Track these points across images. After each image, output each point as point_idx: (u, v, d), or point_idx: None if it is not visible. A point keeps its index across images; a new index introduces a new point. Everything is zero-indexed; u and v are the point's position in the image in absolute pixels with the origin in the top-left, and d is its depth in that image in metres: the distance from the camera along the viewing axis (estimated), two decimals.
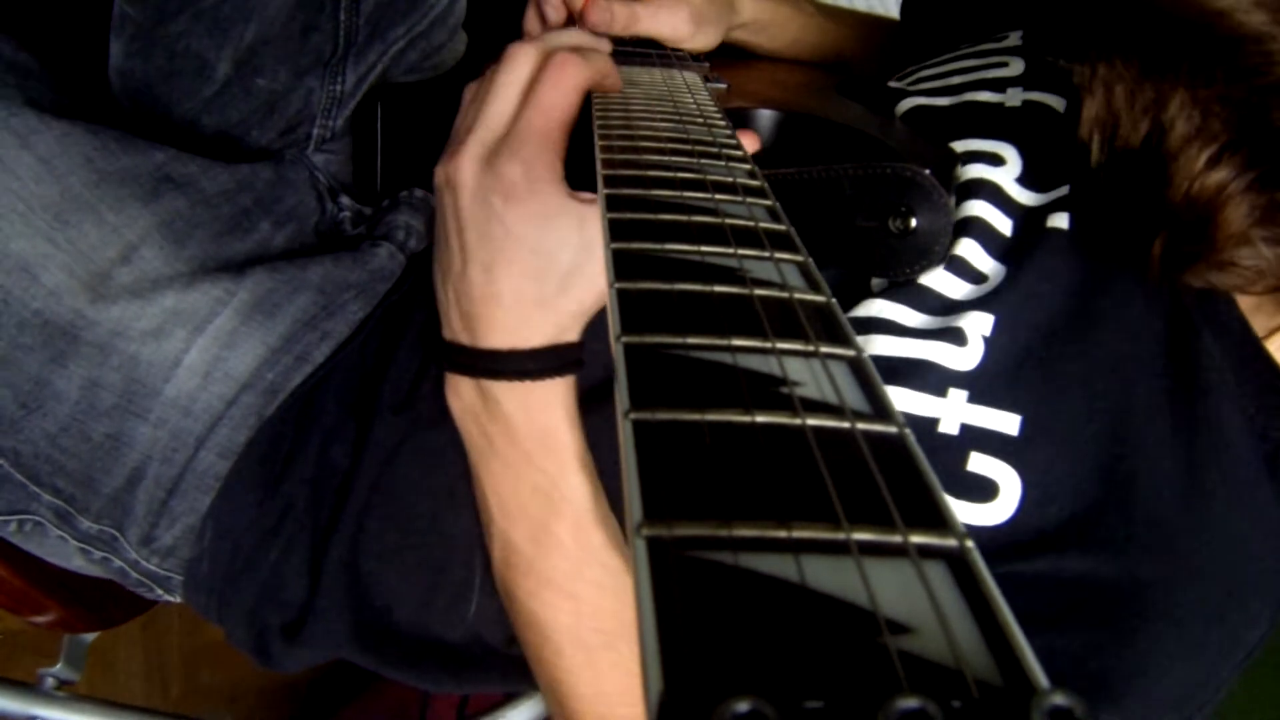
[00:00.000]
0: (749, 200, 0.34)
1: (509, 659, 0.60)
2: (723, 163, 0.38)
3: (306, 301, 0.61)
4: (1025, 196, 0.54)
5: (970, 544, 0.17)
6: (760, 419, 0.20)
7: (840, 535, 0.17)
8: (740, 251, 0.29)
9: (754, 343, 0.23)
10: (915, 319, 0.51)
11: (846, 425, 0.21)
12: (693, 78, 0.58)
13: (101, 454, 0.58)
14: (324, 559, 0.58)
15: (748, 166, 0.38)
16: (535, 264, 0.44)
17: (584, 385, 0.49)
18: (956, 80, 0.62)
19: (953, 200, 0.53)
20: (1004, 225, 0.53)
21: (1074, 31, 0.54)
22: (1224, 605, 0.47)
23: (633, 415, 0.20)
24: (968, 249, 0.52)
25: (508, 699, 0.84)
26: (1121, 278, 0.50)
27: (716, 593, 0.16)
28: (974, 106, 0.59)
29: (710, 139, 0.42)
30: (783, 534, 0.17)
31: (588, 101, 0.48)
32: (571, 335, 0.47)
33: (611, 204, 0.32)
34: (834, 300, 0.26)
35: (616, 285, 0.26)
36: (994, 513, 0.47)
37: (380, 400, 0.59)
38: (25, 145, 0.56)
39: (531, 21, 0.67)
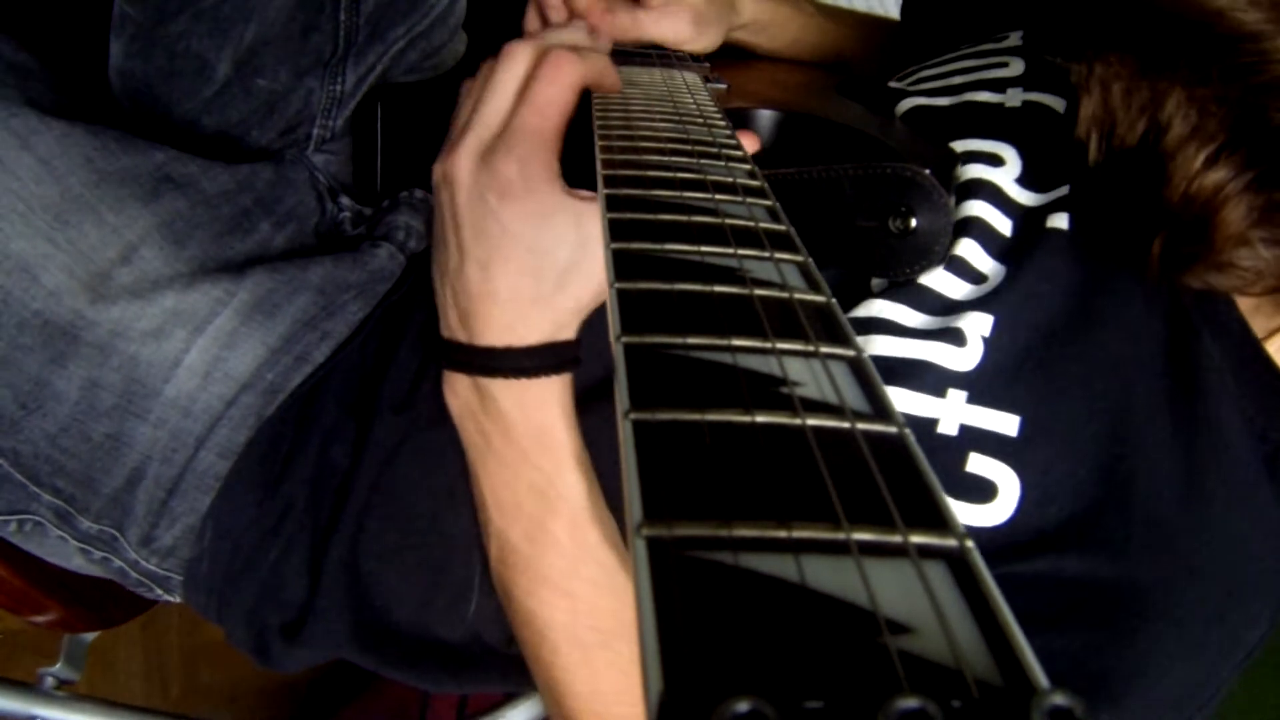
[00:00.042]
0: (749, 200, 0.34)
1: (508, 659, 0.60)
2: (723, 163, 0.38)
3: (306, 302, 0.61)
4: (1025, 197, 0.54)
5: (970, 544, 0.18)
6: (760, 419, 0.20)
7: (840, 535, 0.17)
8: (740, 251, 0.29)
9: (754, 343, 0.23)
10: (915, 319, 0.51)
11: (846, 425, 0.21)
12: (693, 78, 0.58)
13: (101, 454, 0.58)
14: (324, 559, 0.58)
15: (748, 166, 0.38)
16: (531, 261, 0.44)
17: (582, 384, 0.49)
18: (956, 80, 0.62)
19: (953, 200, 0.53)
20: (1003, 225, 0.53)
21: (1072, 30, 0.54)
22: (1224, 605, 0.47)
23: (633, 415, 0.20)
24: (967, 249, 0.52)
25: (507, 699, 0.84)
26: (1121, 278, 0.50)
27: (716, 593, 0.16)
28: (974, 107, 0.59)
29: (710, 139, 0.42)
30: (783, 534, 0.17)
31: (588, 101, 0.48)
32: (568, 333, 0.47)
33: (611, 204, 0.32)
34: (834, 300, 0.26)
35: (616, 285, 0.26)
36: (993, 513, 0.47)
37: (380, 400, 0.59)
38: (25, 145, 0.56)
39: (532, 21, 0.67)
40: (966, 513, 0.47)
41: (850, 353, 0.24)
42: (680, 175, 0.36)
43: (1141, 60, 0.48)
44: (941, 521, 0.18)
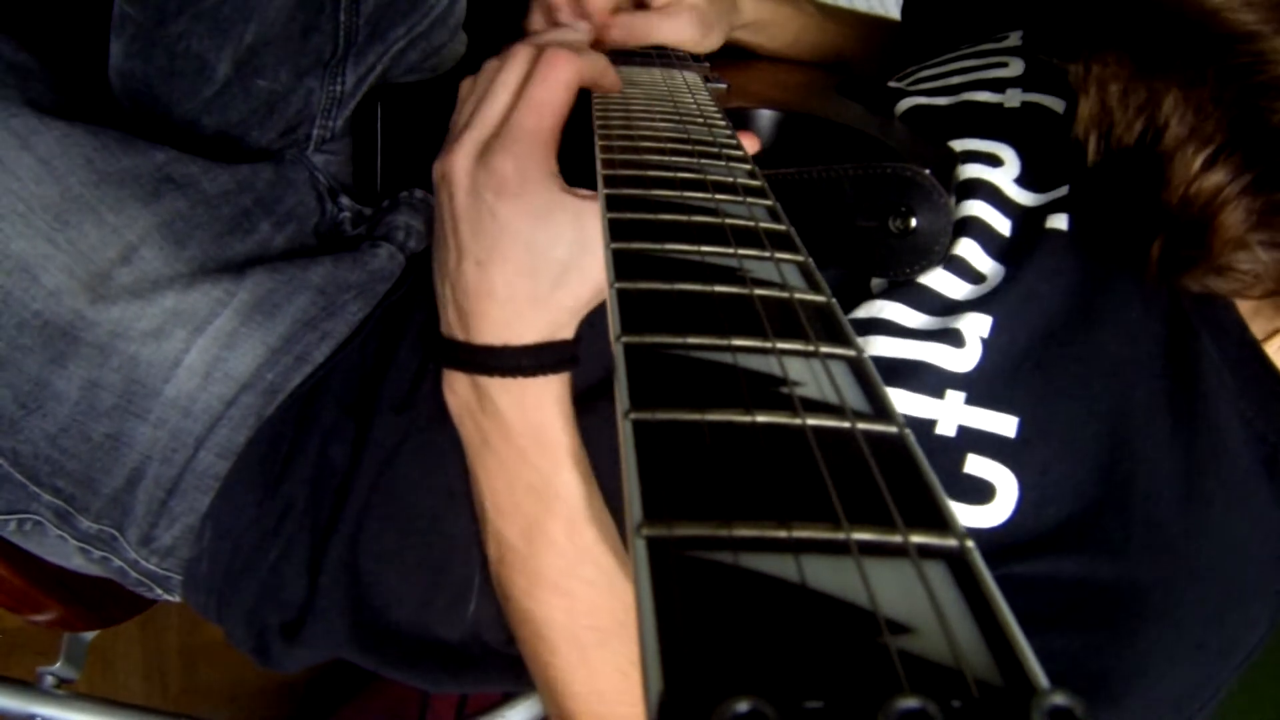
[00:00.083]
0: (749, 200, 0.34)
1: (508, 659, 0.60)
2: (723, 163, 0.38)
3: (306, 302, 0.61)
4: (1024, 197, 0.54)
5: (970, 544, 0.18)
6: (760, 419, 0.20)
7: (840, 535, 0.17)
8: (740, 251, 0.29)
9: (754, 343, 0.23)
10: (915, 319, 0.51)
11: (847, 425, 0.21)
12: (693, 78, 0.58)
13: (101, 454, 0.58)
14: (324, 559, 0.58)
15: (748, 166, 0.38)
16: (529, 259, 0.44)
17: (582, 384, 0.49)
18: (956, 80, 0.62)
19: (952, 200, 0.53)
20: (1003, 225, 0.53)
21: (1070, 30, 0.54)
22: (1223, 606, 0.47)
23: (633, 415, 0.20)
24: (967, 249, 0.52)
25: (507, 699, 0.84)
26: (1120, 279, 0.50)
27: (716, 593, 0.16)
28: (973, 107, 0.59)
29: (710, 139, 0.42)
30: (783, 534, 0.17)
31: (588, 101, 0.48)
32: (566, 332, 0.47)
33: (611, 204, 0.32)
34: (834, 300, 0.26)
35: (616, 285, 0.26)
36: (991, 515, 0.47)
37: (380, 400, 0.59)
38: (25, 146, 0.56)
39: (535, 21, 0.67)
40: (964, 514, 0.47)
41: (850, 353, 0.24)
42: (680, 175, 0.36)
43: (1138, 60, 0.48)
44: (942, 521, 0.18)
